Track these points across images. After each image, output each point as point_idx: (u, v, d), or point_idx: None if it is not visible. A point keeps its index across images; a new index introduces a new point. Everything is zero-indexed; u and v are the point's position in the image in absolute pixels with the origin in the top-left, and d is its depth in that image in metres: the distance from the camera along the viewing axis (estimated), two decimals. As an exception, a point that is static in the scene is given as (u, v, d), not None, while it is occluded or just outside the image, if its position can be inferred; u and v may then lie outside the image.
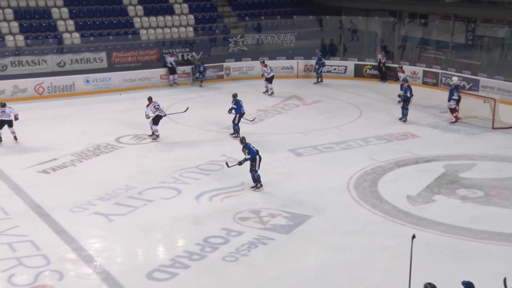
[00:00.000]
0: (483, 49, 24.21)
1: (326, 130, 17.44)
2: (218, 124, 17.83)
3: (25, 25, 22.85)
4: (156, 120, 16.39)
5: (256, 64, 24.52)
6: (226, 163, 13.28)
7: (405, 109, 18.08)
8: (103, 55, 22.82)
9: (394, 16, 26.51)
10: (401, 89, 18.48)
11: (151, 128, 16.45)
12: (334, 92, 22.34)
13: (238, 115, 16.64)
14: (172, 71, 23.13)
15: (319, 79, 23.72)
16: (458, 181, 13.37)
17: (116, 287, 9.13)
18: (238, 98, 16.84)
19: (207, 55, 24.73)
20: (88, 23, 24.22)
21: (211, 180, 13.43)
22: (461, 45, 24.78)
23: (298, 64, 25.10)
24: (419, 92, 20.51)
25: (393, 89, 22.33)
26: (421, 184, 13.15)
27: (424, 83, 23.00)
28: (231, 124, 17.20)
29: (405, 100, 18.09)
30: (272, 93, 21.50)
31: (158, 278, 9.42)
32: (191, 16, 26.41)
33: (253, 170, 12.89)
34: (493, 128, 17.31)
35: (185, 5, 26.69)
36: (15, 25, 22.60)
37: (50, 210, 11.62)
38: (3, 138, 15.80)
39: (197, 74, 23.23)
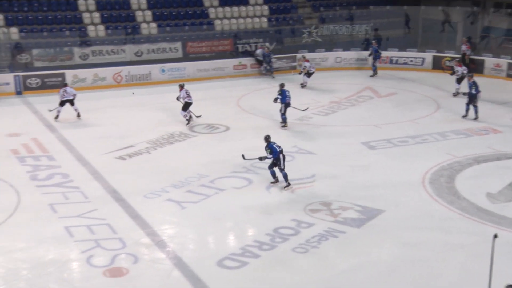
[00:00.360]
0: None
1: (401, 123, 17.03)
2: (290, 115, 17.73)
3: (106, 15, 23.64)
4: (185, 107, 16.88)
5: (330, 55, 24.28)
6: (243, 155, 13.19)
7: (474, 106, 17.01)
8: (178, 45, 23.28)
9: (477, 6, 25.45)
10: (457, 82, 17.62)
11: (184, 116, 16.87)
12: (410, 85, 21.76)
13: (283, 104, 16.58)
14: (260, 62, 23.25)
15: (375, 72, 23.01)
16: (544, 180, 12.74)
17: (187, 273, 9.32)
18: (285, 88, 16.77)
19: (280, 46, 24.67)
20: (165, 13, 24.74)
21: (282, 171, 13.42)
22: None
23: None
24: (503, 86, 19.67)
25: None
26: (502, 181, 12.61)
27: (509, 76, 21.98)
28: (304, 115, 17.13)
29: (471, 97, 17.07)
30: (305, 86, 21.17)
31: (229, 266, 9.55)
32: (266, 7, 26.42)
33: (273, 166, 12.64)
34: None
35: (260, -4, 26.73)
36: (96, 15, 23.42)
37: (126, 195, 12.01)
38: (62, 115, 17.12)
39: (265, 65, 23.21)
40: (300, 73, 21.72)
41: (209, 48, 23.85)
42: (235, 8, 25.94)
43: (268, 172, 13.17)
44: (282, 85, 16.93)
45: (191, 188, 12.45)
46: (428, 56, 23.98)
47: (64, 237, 10.26)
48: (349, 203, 11.70)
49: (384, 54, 24.43)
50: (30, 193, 11.99)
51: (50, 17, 22.76)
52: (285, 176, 12.58)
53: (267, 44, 24.49)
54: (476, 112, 17.05)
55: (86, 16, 23.26)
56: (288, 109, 16.61)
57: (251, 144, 15.20)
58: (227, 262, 9.65)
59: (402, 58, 24.40)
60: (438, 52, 24.13)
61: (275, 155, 12.61)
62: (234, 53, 23.75)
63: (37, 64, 21.02)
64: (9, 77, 19.98)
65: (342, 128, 16.69)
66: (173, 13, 24.82)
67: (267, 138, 12.98)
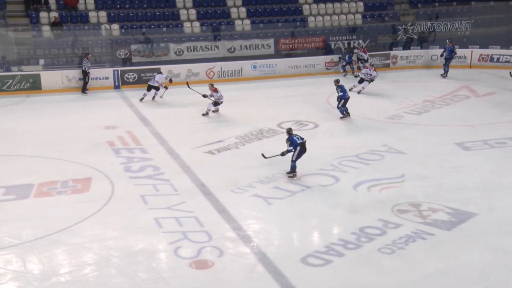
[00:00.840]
0: None
1: (499, 124, 16.23)
2: (381, 113, 17.49)
3: (201, 12, 24.31)
4: (215, 104, 17.55)
5: (425, 53, 23.59)
6: (262, 154, 13.08)
7: None
8: (271, 41, 23.52)
9: None
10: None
11: (210, 109, 17.42)
12: (512, 84, 20.72)
13: (343, 100, 16.82)
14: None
15: (445, 73, 21.85)
16: None
17: (271, 268, 9.41)
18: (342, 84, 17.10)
19: (374, 43, 24.28)
20: (259, 10, 25.07)
21: (370, 170, 13.25)
22: None
23: (472, 53, 23.66)
24: None
25: None
26: None
27: None
28: (395, 113, 16.83)
29: None
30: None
31: (312, 263, 9.54)
32: (361, 3, 26.10)
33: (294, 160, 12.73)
34: None
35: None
36: (193, 12, 24.15)
37: (214, 189, 12.29)
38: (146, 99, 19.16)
39: (343, 63, 22.87)
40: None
41: (302, 45, 23.90)
42: (329, 5, 25.86)
43: (354, 171, 13.05)
44: (337, 81, 17.23)
45: (278, 184, 12.55)
46: (534, 53, 22.70)
47: (154, 228, 10.66)
48: (440, 205, 11.34)
49: (484, 52, 23.44)
50: (123, 184, 12.55)
51: (149, 14, 23.73)
52: (293, 167, 12.70)
53: (360, 41, 24.17)
54: None
55: (183, 13, 24.04)
56: (378, 106, 16.33)
57: (340, 142, 15.14)
58: (311, 259, 9.64)
59: (505, 56, 23.23)
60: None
61: (294, 146, 12.64)
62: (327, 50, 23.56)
63: (135, 59, 22.00)
64: (108, 71, 21.05)
65: (435, 127, 16.19)
66: (267, 10, 25.10)
67: (288, 131, 12.99)
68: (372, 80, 19.87)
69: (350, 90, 18.42)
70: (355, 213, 11.24)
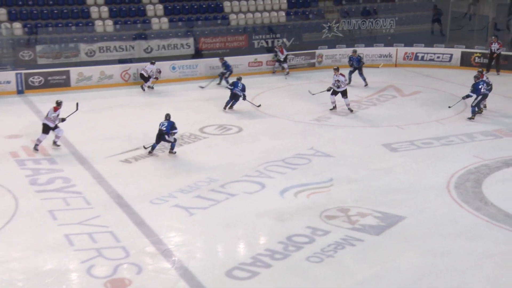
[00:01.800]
0: None
1: (426, 124, 16.83)
2: (307, 115, 17.70)
3: (114, 10, 23.77)
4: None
5: (350, 52, 24.12)
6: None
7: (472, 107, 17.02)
8: (190, 41, 23.33)
9: (512, -2, 25.18)
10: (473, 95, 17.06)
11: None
12: (437, 83, 21.53)
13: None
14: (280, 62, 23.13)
15: (365, 83, 21.45)
16: None
17: (194, 284, 9.28)
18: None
19: (299, 42, 24.61)
20: (177, 7, 24.81)
21: (297, 175, 13.36)
22: None
23: (398, 51, 24.43)
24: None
25: (505, 79, 21.27)
26: (534, 186, 12.41)
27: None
28: (322, 115, 17.21)
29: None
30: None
31: (238, 276, 9.48)
32: (284, 0, 26.37)
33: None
34: None
35: (279, -13, 26.68)
36: (105, 9, 23.56)
37: (131, 200, 12.01)
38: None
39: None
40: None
41: (224, 44, 23.86)
42: (251, 2, 25.93)
43: (281, 176, 13.14)
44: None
45: (200, 193, 12.43)
46: (457, 52, 23.72)
47: (64, 246, 10.27)
48: (368, 209, 11.58)
49: (409, 50, 24.26)
50: (28, 199, 12.03)
51: (56, 11, 22.94)
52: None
53: (284, 39, 24.43)
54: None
55: (94, 11, 23.40)
56: (304, 108, 16.52)
57: (265, 146, 15.20)
58: (236, 272, 9.58)
59: (429, 55, 24.16)
60: (467, 48, 23.82)
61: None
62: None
63: (41, 61, 21.18)
64: (10, 75, 20.11)
65: (362, 129, 16.57)
66: (186, 7, 24.89)
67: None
68: (338, 87, 17.97)
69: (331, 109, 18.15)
70: (282, 221, 11.28)
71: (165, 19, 24.03)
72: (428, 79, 22.04)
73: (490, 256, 9.93)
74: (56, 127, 14.78)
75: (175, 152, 14.67)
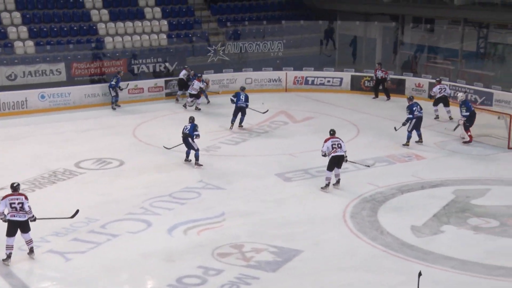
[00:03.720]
0: (497, 58, 24.56)
1: (319, 151, 17.42)
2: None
3: (-30, 32, 22.85)
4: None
5: (239, 76, 24.65)
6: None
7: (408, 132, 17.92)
8: (61, 66, 22.81)
9: (396, 21, 26.88)
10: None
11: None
12: (328, 108, 22.46)
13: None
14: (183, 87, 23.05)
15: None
16: (470, 209, 13.46)
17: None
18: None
19: (182, 66, 24.79)
20: (44, 29, 24.27)
21: (186, 210, 13.39)
22: (472, 54, 25.15)
23: (287, 75, 25.28)
24: (425, 107, 20.71)
25: (395, 104, 22.55)
26: (427, 212, 13.20)
27: (431, 96, 23.20)
28: (211, 144, 17.39)
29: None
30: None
31: (124, 326, 9.32)
32: (165, 22, 26.59)
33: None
34: (508, 148, 17.49)
35: (158, 9, 26.88)
36: (-41, 32, 22.60)
37: (-4, 249, 11.46)
38: None
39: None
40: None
41: (99, 70, 23.55)
42: (128, 23, 25.94)
43: (168, 212, 13.10)
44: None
45: (78, 236, 12.11)
46: (346, 75, 24.92)
47: None
48: (264, 244, 11.80)
49: (299, 74, 25.18)
50: None
51: None
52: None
53: (167, 64, 24.51)
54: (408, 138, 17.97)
55: None
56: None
57: (150, 180, 15.12)
58: (122, 321, 9.42)
59: (319, 79, 25.21)
60: (356, 71, 25.13)
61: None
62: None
63: None
64: None
65: (254, 158, 16.91)
66: (55, 29, 24.42)
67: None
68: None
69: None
70: (172, 261, 11.25)
71: (30, 43, 23.40)
72: (319, 104, 22.97)
73: (388, 287, 10.40)
74: None
75: (201, 165, 15.74)
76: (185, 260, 11.23)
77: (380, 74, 23.60)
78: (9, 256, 10.94)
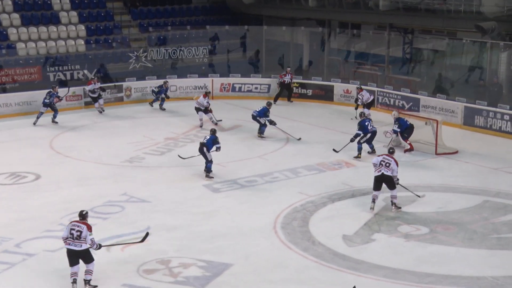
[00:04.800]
0: (423, 63, 25.37)
1: (248, 161, 17.56)
2: (118, 157, 17.54)
3: None
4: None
5: (163, 83, 24.43)
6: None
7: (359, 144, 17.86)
8: (-32, 75, 22.04)
9: (322, 26, 27.35)
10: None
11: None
12: (256, 115, 22.58)
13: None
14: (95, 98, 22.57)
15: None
16: (400, 216, 13.79)
17: None
18: None
19: (102, 73, 24.41)
20: None
21: (109, 226, 13.17)
22: (398, 59, 25.88)
23: (213, 82, 25.28)
24: (353, 114, 21.16)
25: (326, 110, 22.90)
26: (358, 221, 13.45)
27: (363, 104, 23.70)
28: (134, 155, 17.17)
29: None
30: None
31: None
32: (82, 26, 26.09)
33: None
34: (436, 154, 18.04)
35: (74, 13, 26.35)
36: None
37: None
38: None
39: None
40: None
41: (11, 78, 22.87)
42: (43, 28, 25.34)
43: (95, 229, 12.83)
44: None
45: (-10, 256, 11.71)
46: (274, 82, 25.13)
47: None
48: (192, 259, 11.73)
49: (226, 80, 25.24)
50: None
51: None
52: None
53: (85, 71, 24.05)
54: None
55: None
56: (113, 148, 16.39)
57: (70, 195, 14.80)
58: None
59: (246, 85, 25.34)
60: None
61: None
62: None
63: None
64: None
65: (180, 169, 16.79)
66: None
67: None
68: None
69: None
70: (94, 280, 10.97)
71: None
72: (247, 111, 22.88)
73: (318, 298, 10.56)
74: None
75: (212, 177, 15.96)
76: (109, 279, 11.02)
77: (288, 78, 24.01)
78: (74, 281, 10.57)
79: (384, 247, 12.39)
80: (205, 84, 25.01)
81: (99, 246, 10.89)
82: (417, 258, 11.88)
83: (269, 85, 25.18)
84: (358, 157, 17.65)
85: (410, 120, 18.60)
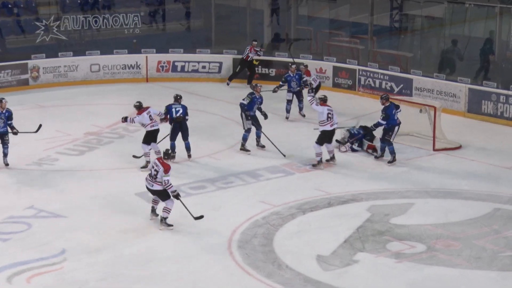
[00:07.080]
0: (416, 34, 25.43)
1: (194, 161, 17.46)
2: (23, 158, 17.36)
3: None
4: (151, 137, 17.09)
5: (81, 61, 24.20)
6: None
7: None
8: None
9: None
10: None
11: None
12: (204, 102, 22.58)
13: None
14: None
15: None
16: (390, 230, 13.85)
17: None
18: None
19: (0, 49, 24.09)
20: None
21: (11, 249, 12.99)
22: (385, 29, 25.95)
23: (148, 60, 25.11)
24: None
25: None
26: (336, 237, 13.46)
27: (336, 85, 23.79)
28: (45, 156, 16.94)
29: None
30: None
31: None
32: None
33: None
34: (434, 150, 18.19)
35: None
36: None
37: None
38: None
39: None
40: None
41: None
42: None
43: None
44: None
45: None
46: (227, 59, 25.08)
47: None
48: (122, 289, 11.66)
49: (164, 57, 25.06)
50: None
51: None
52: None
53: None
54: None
55: None
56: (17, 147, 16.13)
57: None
58: None
59: (191, 64, 25.18)
60: (240, 54, 25.25)
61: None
62: None
63: None
64: None
65: (105, 173, 16.70)
66: None
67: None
68: None
69: None
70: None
71: None
72: (192, 97, 22.82)
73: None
74: None
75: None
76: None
77: (253, 55, 23.89)
78: (152, 209, 14.05)
79: (369, 270, 12.40)
80: (136, 63, 24.86)
81: (176, 194, 13.44)
82: (411, 283, 11.92)
83: (221, 63, 25.15)
84: (393, 161, 17.18)
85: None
